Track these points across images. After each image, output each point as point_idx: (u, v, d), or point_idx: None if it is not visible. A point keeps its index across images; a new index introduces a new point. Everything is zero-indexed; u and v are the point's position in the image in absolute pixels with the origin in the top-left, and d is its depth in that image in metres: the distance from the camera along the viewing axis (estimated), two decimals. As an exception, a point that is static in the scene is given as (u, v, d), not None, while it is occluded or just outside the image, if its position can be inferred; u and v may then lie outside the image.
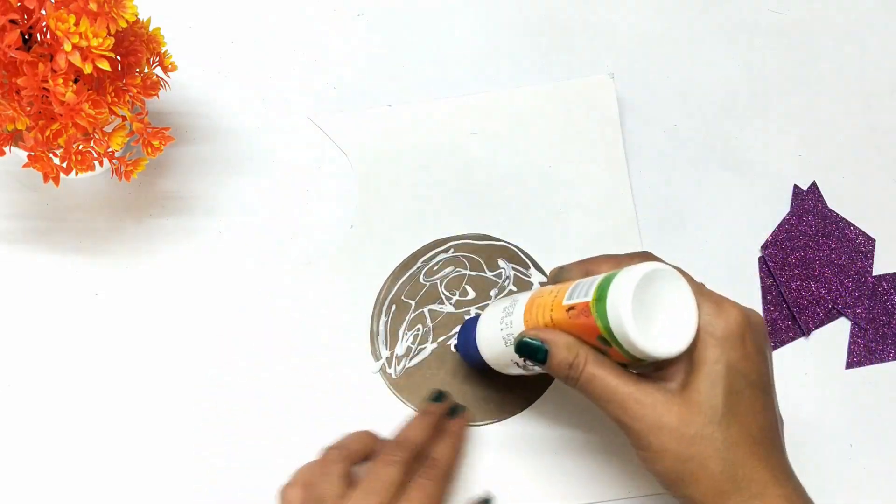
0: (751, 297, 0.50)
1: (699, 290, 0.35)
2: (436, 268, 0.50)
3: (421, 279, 0.49)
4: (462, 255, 0.50)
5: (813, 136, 0.55)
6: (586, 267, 0.38)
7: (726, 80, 0.56)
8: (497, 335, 0.40)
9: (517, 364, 0.39)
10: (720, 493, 0.33)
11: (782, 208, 0.52)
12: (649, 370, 0.35)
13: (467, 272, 0.49)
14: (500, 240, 0.50)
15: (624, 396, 0.34)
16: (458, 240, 0.50)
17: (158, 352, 0.47)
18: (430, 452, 0.42)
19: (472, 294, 0.49)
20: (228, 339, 0.48)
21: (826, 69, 0.57)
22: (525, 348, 0.36)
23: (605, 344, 0.33)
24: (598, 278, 0.34)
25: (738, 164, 0.54)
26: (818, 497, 0.44)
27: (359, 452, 0.41)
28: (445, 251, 0.50)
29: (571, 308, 0.35)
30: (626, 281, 0.32)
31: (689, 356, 0.34)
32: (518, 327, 0.38)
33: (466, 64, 0.55)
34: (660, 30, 0.57)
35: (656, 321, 0.33)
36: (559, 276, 0.39)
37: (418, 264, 0.50)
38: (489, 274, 0.49)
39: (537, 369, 0.38)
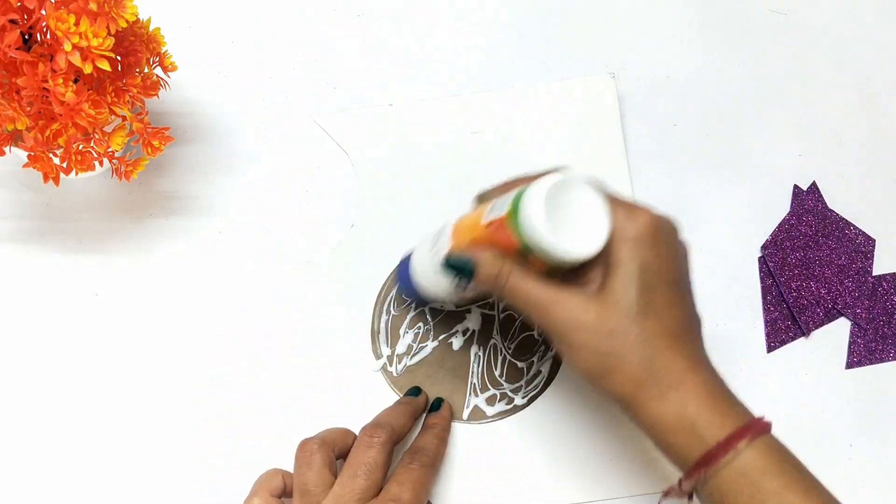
0: (751, 297, 0.50)
1: (612, 198, 0.36)
2: None
3: None
4: None
5: (813, 136, 0.55)
6: (506, 188, 0.39)
7: (726, 80, 0.56)
8: (428, 263, 0.41)
9: (451, 290, 0.41)
10: (638, 383, 0.34)
11: (782, 208, 0.53)
12: (571, 277, 0.36)
13: None
14: None
15: (545, 301, 0.35)
16: None
17: (158, 352, 0.47)
18: (416, 443, 0.43)
19: (472, 292, 0.49)
20: (228, 338, 0.48)
21: (826, 69, 0.57)
22: (453, 266, 0.38)
23: (527, 252, 0.35)
24: (513, 193, 0.36)
25: (738, 164, 0.54)
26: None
27: (336, 442, 0.41)
28: None
29: (490, 224, 0.36)
30: (536, 191, 0.34)
31: (605, 260, 0.35)
32: (446, 251, 0.40)
33: (467, 64, 0.55)
34: (660, 29, 0.57)
35: (570, 227, 0.34)
36: (481, 199, 0.41)
37: None
38: None
39: (469, 293, 0.40)
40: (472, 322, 0.48)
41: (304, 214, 0.51)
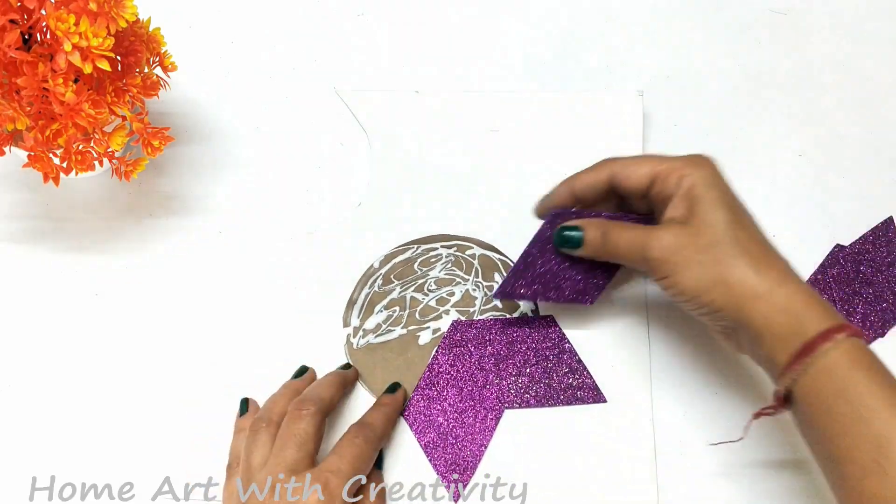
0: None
1: (679, 160, 0.42)
2: (433, 260, 0.49)
3: (416, 266, 0.49)
4: (463, 257, 0.50)
5: (813, 136, 0.55)
6: (567, 190, 0.45)
7: (726, 80, 0.56)
8: None
9: None
10: (747, 285, 0.38)
11: (782, 209, 0.53)
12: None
13: (461, 274, 0.49)
14: (504, 255, 0.50)
15: (643, 240, 0.41)
16: (464, 241, 0.50)
17: (158, 352, 0.47)
18: (365, 418, 0.44)
19: (457, 296, 0.49)
20: (228, 339, 0.48)
21: (826, 69, 0.57)
22: (565, 234, 0.44)
23: None
24: None
25: (737, 164, 0.53)
26: (820, 497, 0.44)
27: (282, 415, 0.42)
28: (448, 247, 0.50)
29: None
30: None
31: (685, 201, 0.40)
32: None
33: (468, 64, 0.55)
34: (660, 30, 0.57)
35: None
36: (546, 202, 0.45)
37: (419, 251, 0.50)
38: (483, 283, 0.49)
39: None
40: (445, 324, 0.48)
41: (304, 215, 0.51)
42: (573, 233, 0.43)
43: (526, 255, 0.45)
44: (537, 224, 0.46)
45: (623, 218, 0.44)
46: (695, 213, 0.40)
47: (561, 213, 0.45)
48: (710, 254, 0.38)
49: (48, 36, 0.39)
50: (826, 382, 0.35)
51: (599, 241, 0.43)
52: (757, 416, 0.39)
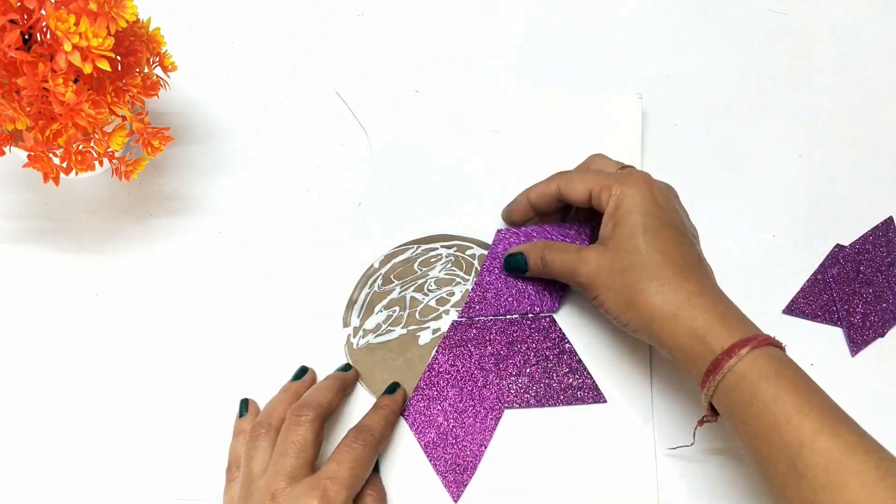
0: (747, 297, 0.50)
1: (605, 173, 0.44)
2: (433, 260, 0.50)
3: (416, 266, 0.49)
4: (463, 257, 0.50)
5: (813, 136, 0.55)
6: (524, 199, 0.48)
7: (726, 80, 0.56)
8: None
9: None
10: (655, 309, 0.40)
11: (782, 208, 0.53)
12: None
13: (461, 274, 0.49)
14: None
15: (573, 261, 0.43)
16: (464, 241, 0.50)
17: (158, 352, 0.47)
18: (363, 421, 0.43)
19: (457, 296, 0.49)
20: (228, 339, 0.48)
21: (826, 69, 0.57)
22: (511, 261, 0.47)
23: None
24: None
25: (737, 165, 0.54)
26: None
27: (282, 419, 0.42)
28: (448, 247, 0.50)
29: None
30: None
31: (614, 219, 0.42)
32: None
33: (468, 64, 0.55)
34: (660, 30, 0.57)
35: None
36: (509, 210, 0.49)
37: (419, 251, 0.50)
38: None
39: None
40: (445, 324, 0.48)
41: (304, 215, 0.51)
42: (518, 259, 0.47)
43: (485, 271, 0.48)
44: None
45: (569, 229, 0.47)
46: (616, 235, 0.42)
47: (507, 231, 0.49)
48: (624, 277, 0.41)
49: (48, 36, 0.39)
50: (736, 396, 0.37)
51: (540, 265, 0.46)
52: (700, 423, 0.41)
